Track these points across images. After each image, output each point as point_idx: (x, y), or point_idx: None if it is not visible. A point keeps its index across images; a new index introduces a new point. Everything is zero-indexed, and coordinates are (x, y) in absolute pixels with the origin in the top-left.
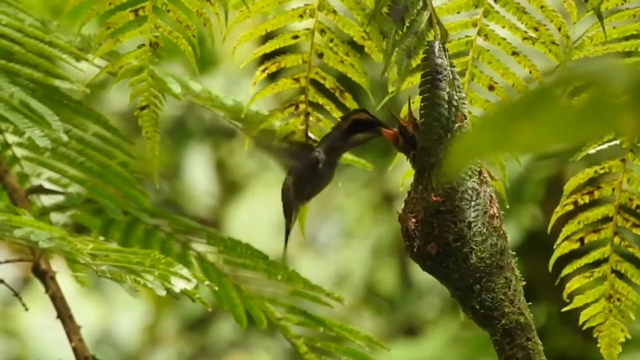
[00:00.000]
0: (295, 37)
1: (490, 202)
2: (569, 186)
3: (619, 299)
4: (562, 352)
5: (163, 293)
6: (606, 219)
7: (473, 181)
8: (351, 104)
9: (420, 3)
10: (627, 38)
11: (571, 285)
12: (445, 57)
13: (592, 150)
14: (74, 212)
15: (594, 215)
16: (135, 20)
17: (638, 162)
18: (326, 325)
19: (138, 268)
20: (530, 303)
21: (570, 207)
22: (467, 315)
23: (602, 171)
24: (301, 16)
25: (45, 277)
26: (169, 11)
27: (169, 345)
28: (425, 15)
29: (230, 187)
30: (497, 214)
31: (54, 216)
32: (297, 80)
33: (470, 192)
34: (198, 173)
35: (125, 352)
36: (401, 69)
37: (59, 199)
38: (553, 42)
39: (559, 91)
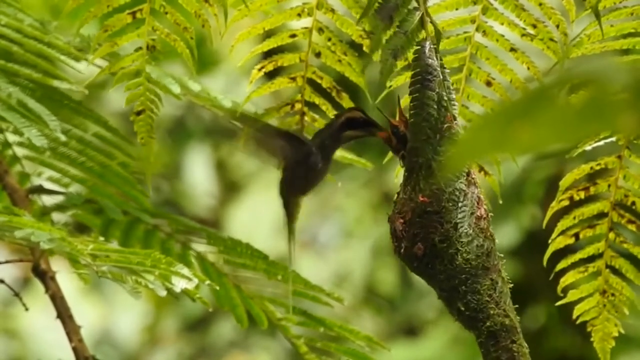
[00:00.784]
0: (293, 35)
1: (478, 203)
2: (564, 182)
3: (613, 294)
4: (562, 352)
5: (164, 293)
6: (601, 215)
7: (461, 182)
8: (348, 103)
9: (413, 3)
10: (624, 36)
11: (565, 280)
12: (436, 57)
13: (588, 147)
14: (75, 212)
15: (589, 211)
16: (133, 23)
17: (634, 159)
18: (326, 326)
19: (139, 268)
20: (530, 303)
21: (566, 203)
22: (453, 316)
23: (598, 167)
24: (299, 15)
25: (45, 277)
26: (166, 13)
27: (169, 346)
28: (417, 15)
29: (230, 187)
30: (484, 216)
31: (55, 216)
32: (293, 79)
33: (457, 193)
34: (198, 173)
35: (125, 352)
36: (385, 68)
37: (60, 198)
38: (551, 39)
39: (558, 91)
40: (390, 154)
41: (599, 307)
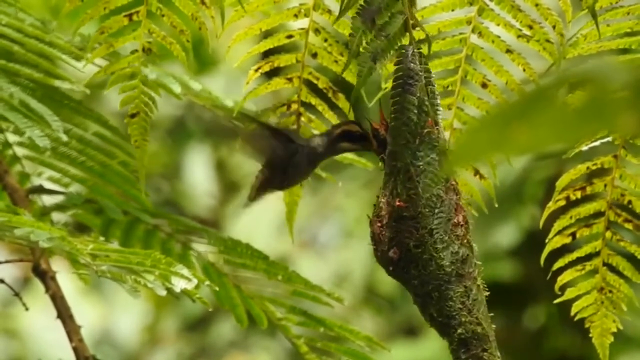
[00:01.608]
0: (290, 36)
1: (456, 210)
2: (561, 182)
3: (610, 291)
4: (562, 352)
5: (164, 293)
6: (598, 214)
7: (438, 188)
8: (344, 104)
9: (398, 7)
10: (621, 36)
11: (563, 279)
12: (419, 62)
13: (584, 148)
14: (75, 212)
15: (586, 211)
16: (130, 25)
17: (630, 159)
18: (326, 326)
19: (139, 268)
20: (530, 303)
21: (563, 203)
22: (426, 322)
23: (594, 167)
24: (296, 15)
25: (45, 277)
26: (163, 16)
27: (169, 346)
28: (401, 19)
29: (230, 187)
30: (462, 223)
31: (55, 216)
32: (290, 80)
33: (434, 199)
34: (198, 173)
35: (125, 352)
36: (363, 71)
37: (60, 198)
38: (547, 40)
39: (557, 91)
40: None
41: (596, 304)
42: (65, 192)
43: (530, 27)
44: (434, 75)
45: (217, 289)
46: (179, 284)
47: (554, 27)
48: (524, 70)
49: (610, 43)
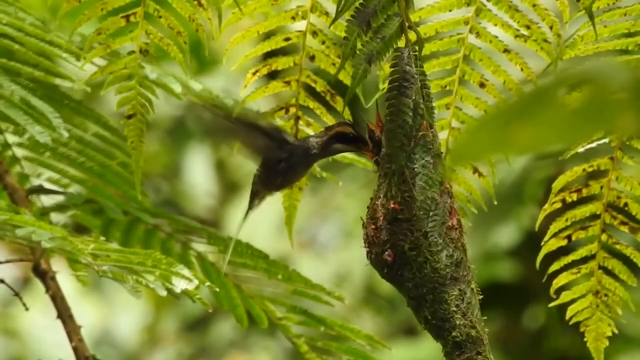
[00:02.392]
0: (287, 39)
1: (450, 213)
2: (557, 184)
3: (606, 294)
4: (562, 352)
5: (164, 293)
6: (594, 217)
7: (433, 191)
8: (342, 107)
9: (394, 9)
10: (618, 37)
11: (558, 282)
12: (415, 65)
13: (581, 149)
14: (74, 213)
15: (581, 213)
16: (127, 26)
17: (627, 161)
18: (327, 325)
19: (139, 268)
20: (530, 303)
21: (559, 205)
22: (420, 324)
23: (590, 169)
24: (293, 18)
25: (45, 277)
26: (160, 17)
27: (169, 346)
28: (397, 21)
29: (230, 187)
30: (456, 226)
31: (54, 217)
32: (288, 83)
33: (429, 202)
34: (198, 173)
35: (125, 352)
36: (357, 73)
37: (59, 199)
38: (545, 40)
39: (557, 91)
40: None
41: (592, 307)
42: (65, 192)
43: (528, 27)
44: (429, 77)
45: (217, 290)
46: (179, 285)
47: (551, 27)
48: (522, 70)
49: (607, 44)
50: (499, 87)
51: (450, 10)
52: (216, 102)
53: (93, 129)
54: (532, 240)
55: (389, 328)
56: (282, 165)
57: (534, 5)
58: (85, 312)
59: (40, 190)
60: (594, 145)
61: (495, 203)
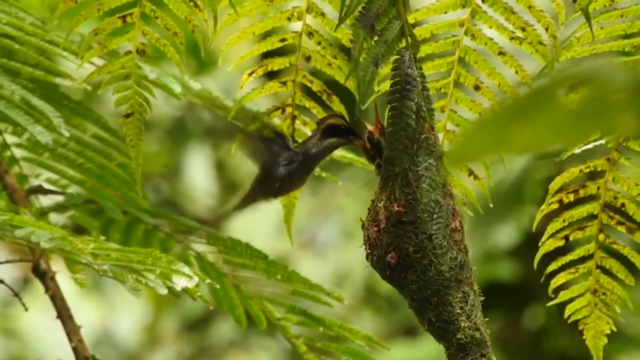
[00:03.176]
0: (283, 39)
1: (453, 215)
2: (554, 185)
3: (604, 293)
4: (562, 352)
5: (165, 291)
6: (591, 217)
7: (436, 193)
8: (338, 107)
9: (394, 12)
10: (614, 38)
11: (557, 281)
12: (415, 67)
13: (577, 150)
14: (73, 214)
15: (579, 213)
16: (123, 27)
17: (624, 162)
18: (326, 325)
19: (140, 267)
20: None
21: (556, 206)
22: (422, 326)
23: (587, 170)
24: (289, 19)
25: (45, 277)
26: (157, 18)
27: (169, 346)
28: (397, 24)
29: (230, 187)
30: (458, 228)
31: (53, 218)
32: (284, 83)
33: (433, 204)
34: (198, 173)
35: (125, 352)
36: (366, 76)
37: (58, 199)
38: (540, 42)
39: (556, 92)
40: None
41: (590, 306)
42: (65, 192)
43: (523, 30)
44: (427, 80)
45: (217, 286)
46: (179, 282)
47: (546, 29)
48: (517, 72)
49: (604, 45)
50: (494, 90)
51: (445, 12)
52: (216, 102)
53: (92, 129)
54: (532, 240)
55: (389, 328)
56: (281, 171)
57: (529, 7)
58: (85, 312)
59: (40, 190)
60: (590, 146)
61: (491, 205)
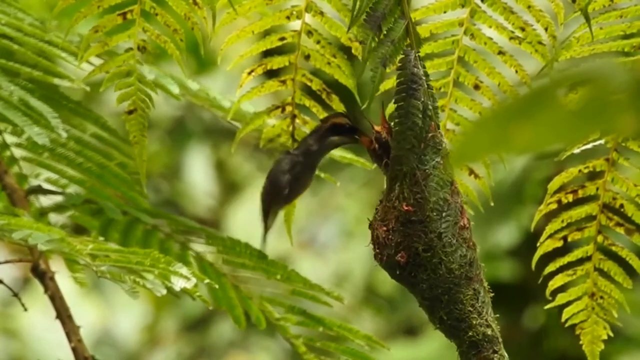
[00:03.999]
0: (282, 38)
1: (461, 213)
2: (553, 185)
3: (602, 297)
4: (562, 352)
5: (163, 292)
6: (590, 218)
7: (445, 192)
8: (338, 106)
9: (399, 11)
10: (614, 38)
11: (554, 283)
12: (421, 66)
13: (577, 150)
14: (73, 213)
15: (577, 214)
16: (124, 24)
17: (623, 162)
18: (325, 325)
19: (138, 268)
20: (530, 303)
21: (554, 206)
22: (434, 325)
23: (586, 170)
24: (288, 18)
25: (44, 277)
26: (157, 15)
27: (169, 346)
28: (402, 24)
29: (230, 187)
30: (467, 225)
31: (53, 217)
32: (283, 82)
33: (441, 202)
34: (198, 173)
35: (125, 352)
36: (375, 76)
37: (58, 199)
38: (540, 42)
39: (556, 91)
40: None
41: (587, 310)
42: (64, 192)
43: (523, 29)
44: (431, 78)
45: (216, 286)
46: (178, 283)
47: (546, 29)
48: (517, 72)
49: (603, 46)
50: (493, 89)
51: (445, 12)
52: (213, 103)
53: (92, 129)
54: (532, 240)
55: (389, 328)
56: (287, 177)
57: (529, 7)
58: (85, 312)
59: (39, 190)
60: (590, 146)
61: (492, 204)
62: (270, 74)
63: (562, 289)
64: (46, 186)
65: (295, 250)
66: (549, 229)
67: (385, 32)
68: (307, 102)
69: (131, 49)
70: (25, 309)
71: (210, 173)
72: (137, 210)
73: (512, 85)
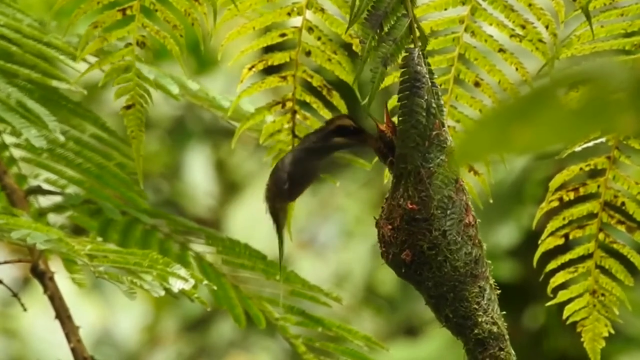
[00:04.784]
0: (283, 35)
1: (466, 210)
2: (554, 183)
3: (603, 294)
4: (562, 352)
5: (161, 293)
6: (591, 216)
7: (449, 189)
8: (338, 102)
9: (402, 10)
10: (615, 37)
11: (555, 281)
12: (425, 64)
13: (578, 149)
14: (72, 214)
15: (579, 212)
16: (123, 20)
17: (624, 160)
18: (325, 325)
19: (136, 269)
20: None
21: (556, 204)
22: (440, 322)
23: (588, 168)
24: (289, 14)
25: (44, 277)
26: (156, 11)
27: (169, 346)
28: (406, 22)
29: (230, 187)
30: (472, 223)
31: (52, 218)
32: (284, 78)
33: (446, 200)
34: (198, 173)
35: (125, 353)
36: (376, 76)
37: (57, 199)
38: (540, 40)
39: (556, 91)
40: None
41: (589, 307)
42: (63, 193)
43: (523, 27)
44: (436, 75)
45: (215, 288)
46: (176, 285)
47: (546, 27)
48: (517, 69)
49: (603, 44)
50: (494, 87)
51: (445, 9)
52: (213, 103)
53: (91, 130)
54: (532, 240)
55: (389, 328)
56: (287, 172)
57: (529, 5)
58: (85, 312)
59: (38, 190)
60: (591, 144)
61: (491, 202)
62: (271, 70)
63: (563, 286)
64: (45, 186)
65: (295, 250)
66: (550, 226)
67: (387, 31)
68: (308, 98)
69: (130, 44)
70: (25, 309)
71: (210, 173)
72: (136, 210)
73: (512, 83)
